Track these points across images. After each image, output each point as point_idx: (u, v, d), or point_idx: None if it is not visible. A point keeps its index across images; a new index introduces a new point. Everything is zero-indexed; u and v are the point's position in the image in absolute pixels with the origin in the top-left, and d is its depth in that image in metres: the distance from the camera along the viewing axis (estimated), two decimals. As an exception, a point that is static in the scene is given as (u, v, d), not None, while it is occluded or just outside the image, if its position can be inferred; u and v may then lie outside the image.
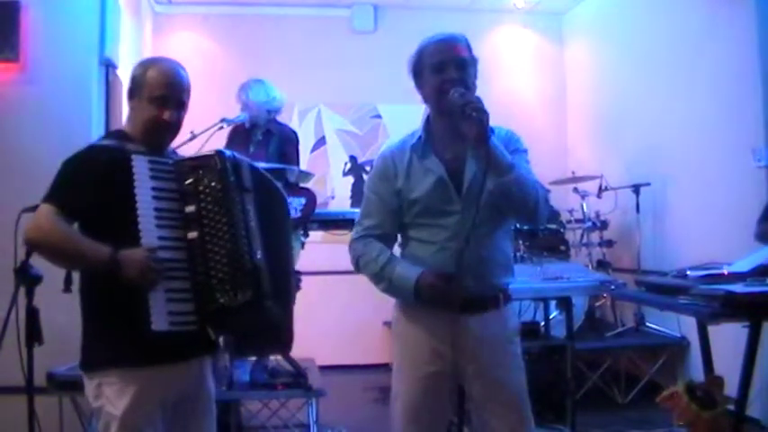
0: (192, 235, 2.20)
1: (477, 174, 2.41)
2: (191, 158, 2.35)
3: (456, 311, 2.39)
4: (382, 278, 2.49)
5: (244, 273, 2.18)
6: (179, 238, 2.21)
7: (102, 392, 2.22)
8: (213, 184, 2.23)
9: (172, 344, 2.16)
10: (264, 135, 4.92)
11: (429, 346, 2.47)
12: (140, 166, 2.19)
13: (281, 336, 2.46)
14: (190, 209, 2.22)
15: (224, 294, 2.15)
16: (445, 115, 2.46)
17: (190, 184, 2.24)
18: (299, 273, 2.77)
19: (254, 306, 2.19)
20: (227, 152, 2.34)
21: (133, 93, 2.36)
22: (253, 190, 2.34)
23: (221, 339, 2.46)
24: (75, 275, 2.39)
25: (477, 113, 2.26)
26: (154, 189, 2.19)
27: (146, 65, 2.38)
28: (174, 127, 2.39)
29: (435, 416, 2.52)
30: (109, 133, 2.42)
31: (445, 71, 2.43)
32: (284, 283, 2.44)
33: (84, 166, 2.26)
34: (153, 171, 2.21)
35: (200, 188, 2.23)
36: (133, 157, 2.19)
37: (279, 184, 2.60)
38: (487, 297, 2.49)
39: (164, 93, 2.33)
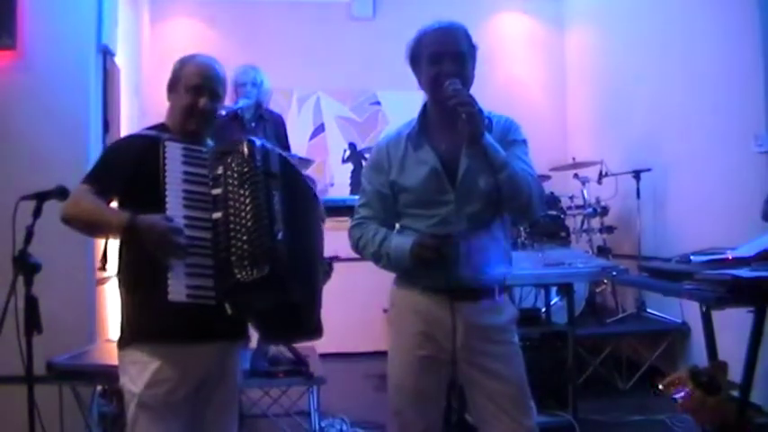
0: (217, 215, 2.27)
1: (470, 166, 2.43)
2: (224, 145, 2.44)
3: (448, 279, 2.38)
4: (381, 255, 2.53)
5: (262, 250, 2.21)
6: (205, 218, 2.29)
7: (127, 370, 2.33)
8: (240, 168, 2.30)
9: (193, 322, 2.24)
10: (257, 122, 4.89)
11: (420, 331, 2.49)
12: (173, 151, 2.31)
13: (303, 319, 2.47)
14: (216, 191, 2.29)
15: (241, 270, 2.19)
16: (437, 104, 2.48)
17: (219, 168, 2.32)
18: (330, 260, 2.81)
19: (271, 283, 2.22)
20: (257, 140, 2.41)
21: (172, 86, 2.52)
22: (280, 176, 2.39)
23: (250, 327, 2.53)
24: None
25: (469, 115, 2.28)
26: (185, 173, 2.31)
27: (184, 60, 2.54)
28: (209, 115, 2.51)
29: (429, 400, 2.54)
30: (151, 126, 2.56)
31: (442, 63, 2.43)
32: (308, 267, 2.48)
33: (119, 150, 2.49)
34: (186, 157, 2.33)
35: (228, 172, 2.30)
36: (167, 143, 2.31)
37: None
38: (482, 287, 2.49)
39: (198, 82, 2.47)
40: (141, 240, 2.20)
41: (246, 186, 2.27)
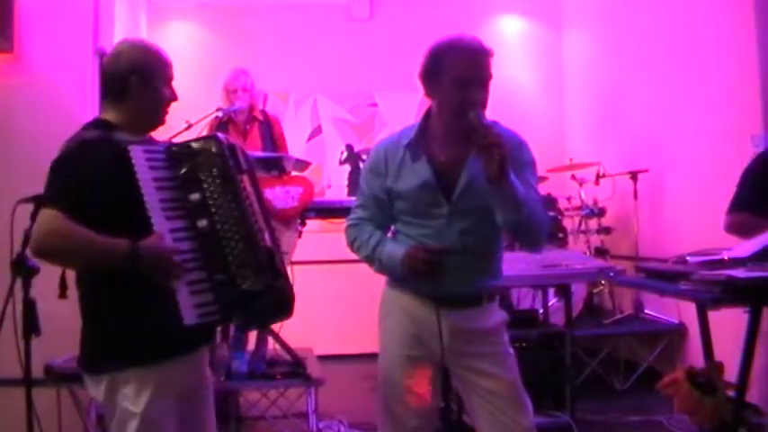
0: (202, 223, 2.16)
1: (469, 183, 2.42)
2: (186, 144, 2.31)
3: (438, 285, 2.41)
4: (374, 259, 2.55)
5: (260, 256, 2.17)
6: (188, 227, 2.16)
7: (118, 390, 2.16)
8: (214, 169, 2.21)
9: (186, 336, 2.12)
10: (252, 123, 4.93)
11: (409, 332, 2.52)
12: (138, 157, 2.13)
13: (287, 306, 2.36)
14: (194, 196, 2.18)
15: (245, 280, 2.13)
16: (453, 126, 2.43)
17: (189, 170, 2.20)
18: None
19: (274, 287, 2.18)
20: (221, 136, 2.33)
21: (151, 77, 2.30)
22: (248, 172, 2.33)
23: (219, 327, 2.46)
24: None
25: (502, 159, 2.21)
26: (155, 180, 2.14)
27: (146, 49, 2.35)
28: None
29: (420, 400, 2.53)
30: (91, 124, 2.30)
31: (468, 90, 2.36)
32: (281, 256, 2.40)
33: (81, 164, 2.16)
34: (150, 161, 2.16)
35: (201, 175, 2.20)
36: (130, 148, 2.13)
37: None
38: (469, 297, 2.51)
39: (172, 74, 2.37)
40: (142, 268, 2.06)
41: (226, 189, 2.19)
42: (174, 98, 2.37)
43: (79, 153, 2.17)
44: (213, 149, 2.23)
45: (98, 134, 2.22)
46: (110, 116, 2.31)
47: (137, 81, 2.28)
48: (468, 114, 2.31)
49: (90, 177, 2.12)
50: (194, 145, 2.28)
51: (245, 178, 2.29)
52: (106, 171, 2.13)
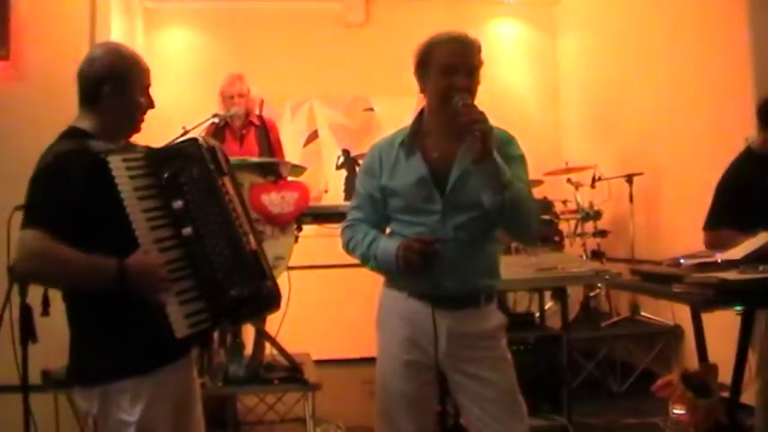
0: (187, 231, 2.13)
1: (461, 177, 2.44)
2: (165, 149, 2.29)
3: (431, 279, 2.40)
4: (369, 257, 2.55)
5: (247, 261, 2.16)
6: (173, 236, 2.13)
7: (112, 400, 2.14)
8: (195, 175, 2.18)
9: (172, 343, 2.09)
10: (248, 129, 4.95)
11: (406, 336, 2.52)
12: (118, 167, 2.09)
13: (276, 306, 2.35)
14: (177, 204, 2.14)
15: (233, 286, 2.12)
16: (442, 115, 2.47)
17: (170, 176, 2.16)
18: None
19: (262, 290, 2.18)
20: (201, 138, 2.31)
21: (126, 85, 2.24)
22: (228, 173, 2.30)
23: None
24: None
25: (483, 134, 2.26)
26: (136, 189, 2.10)
27: (121, 55, 2.28)
28: None
29: (418, 403, 2.55)
30: (66, 134, 2.24)
31: (454, 76, 2.41)
32: (264, 254, 2.36)
33: (59, 179, 2.09)
34: (130, 169, 2.11)
35: (183, 180, 2.16)
36: (109, 159, 2.09)
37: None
38: (466, 296, 2.51)
39: (149, 80, 2.32)
40: (130, 287, 2.04)
41: (208, 194, 2.17)
42: (151, 106, 2.32)
43: (55, 167, 2.12)
44: (194, 152, 2.21)
45: (73, 145, 2.17)
46: (84, 124, 2.26)
47: (110, 89, 2.23)
48: (452, 99, 2.36)
49: (69, 192, 2.07)
50: (174, 148, 2.26)
51: (227, 181, 2.26)
52: (85, 184, 2.08)
